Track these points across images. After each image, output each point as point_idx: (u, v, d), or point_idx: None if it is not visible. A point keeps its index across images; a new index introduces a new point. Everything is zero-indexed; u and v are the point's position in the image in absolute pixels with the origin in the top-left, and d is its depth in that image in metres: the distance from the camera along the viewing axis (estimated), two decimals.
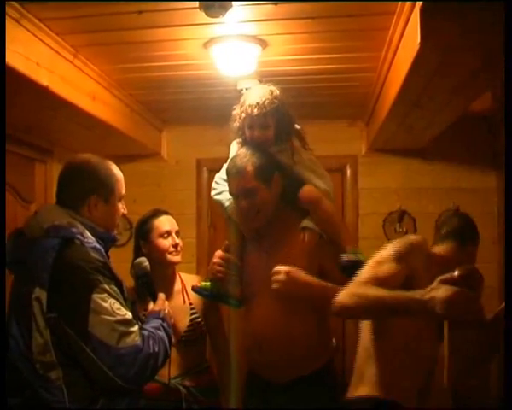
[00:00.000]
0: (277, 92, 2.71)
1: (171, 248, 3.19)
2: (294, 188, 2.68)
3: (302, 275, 2.55)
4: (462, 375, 2.23)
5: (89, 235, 2.24)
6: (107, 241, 2.36)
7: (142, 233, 3.25)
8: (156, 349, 2.22)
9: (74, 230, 2.19)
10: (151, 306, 2.58)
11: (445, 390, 2.29)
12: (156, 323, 2.36)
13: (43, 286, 2.10)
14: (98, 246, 2.24)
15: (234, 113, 2.80)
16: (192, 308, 3.19)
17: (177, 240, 3.22)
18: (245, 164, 2.57)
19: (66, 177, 2.38)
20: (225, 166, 2.81)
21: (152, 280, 2.72)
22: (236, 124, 2.77)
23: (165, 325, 2.38)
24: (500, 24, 1.87)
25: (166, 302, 2.58)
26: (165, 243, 3.19)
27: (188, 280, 3.30)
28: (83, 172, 2.35)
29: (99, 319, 2.09)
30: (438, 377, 2.48)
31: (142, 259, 2.79)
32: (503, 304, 2.30)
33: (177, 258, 3.21)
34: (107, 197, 2.36)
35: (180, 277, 3.31)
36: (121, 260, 4.89)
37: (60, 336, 2.09)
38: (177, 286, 3.26)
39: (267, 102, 2.65)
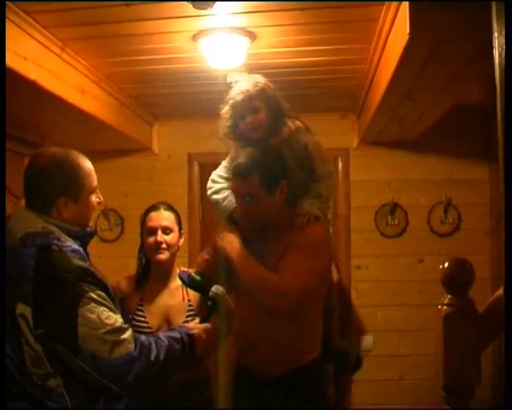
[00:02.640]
0: (260, 78, 2.67)
1: (154, 246, 3.13)
2: (297, 189, 2.63)
3: (230, 236, 2.59)
4: (457, 370, 2.22)
5: (66, 238, 2.14)
6: (84, 237, 2.26)
7: (141, 227, 3.24)
8: (161, 358, 2.14)
9: (50, 236, 2.10)
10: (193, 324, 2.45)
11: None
12: (177, 334, 2.26)
13: (27, 302, 2.02)
14: (77, 247, 2.15)
15: (222, 112, 2.72)
16: (190, 305, 3.16)
17: (160, 238, 3.12)
18: (250, 170, 2.47)
19: (31, 179, 2.25)
20: (224, 163, 2.77)
21: (216, 311, 2.51)
22: (227, 123, 2.72)
23: (186, 342, 2.25)
24: (490, 15, 1.86)
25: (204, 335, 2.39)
26: (150, 240, 3.14)
27: None
28: (47, 173, 2.21)
29: (88, 333, 2.01)
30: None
31: (222, 288, 2.54)
32: (494, 295, 2.29)
33: (160, 256, 3.13)
34: (77, 196, 2.23)
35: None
36: (113, 256, 4.93)
37: (51, 349, 2.02)
38: (177, 283, 3.20)
39: (250, 85, 2.62)
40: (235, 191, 2.59)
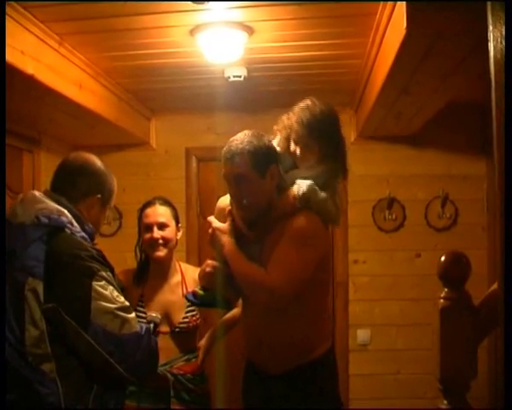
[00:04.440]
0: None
1: (150, 243, 3.15)
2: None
3: (223, 234, 2.60)
4: (454, 362, 2.23)
5: (76, 224, 2.22)
6: (90, 236, 2.33)
7: (138, 222, 3.25)
8: (154, 346, 2.25)
9: (64, 218, 2.18)
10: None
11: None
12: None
13: (39, 277, 2.07)
14: (85, 235, 2.24)
15: None
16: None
17: (156, 234, 3.13)
18: (240, 151, 2.48)
19: (75, 168, 2.36)
20: None
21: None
22: None
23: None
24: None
25: None
26: (146, 237, 3.16)
27: (188, 272, 3.30)
28: (95, 168, 2.36)
29: (101, 307, 2.08)
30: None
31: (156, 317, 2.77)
32: (491, 288, 2.30)
33: (157, 253, 3.15)
34: (105, 202, 2.39)
35: (180, 268, 3.30)
36: (112, 250, 4.91)
37: (56, 326, 2.06)
38: (177, 278, 3.25)
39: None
40: (225, 176, 2.58)
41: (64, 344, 2.08)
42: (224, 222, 2.67)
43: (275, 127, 2.69)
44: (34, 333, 2.05)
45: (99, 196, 2.33)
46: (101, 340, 2.07)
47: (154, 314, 2.76)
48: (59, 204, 2.23)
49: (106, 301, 2.10)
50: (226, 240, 2.59)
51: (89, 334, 2.06)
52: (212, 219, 2.69)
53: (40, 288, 2.06)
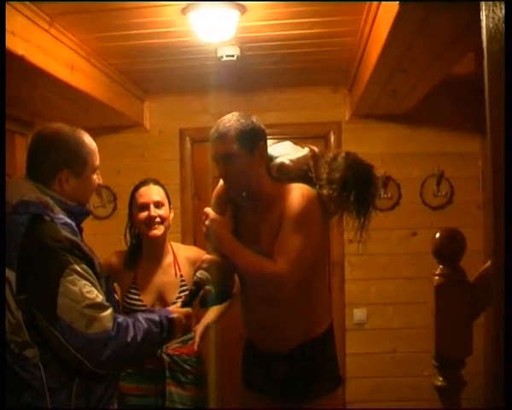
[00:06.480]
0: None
1: (147, 221, 3.14)
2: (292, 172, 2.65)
3: (221, 228, 2.60)
4: (449, 339, 2.23)
5: (58, 210, 2.16)
6: (80, 215, 2.28)
7: (129, 204, 3.24)
8: (138, 339, 2.14)
9: (44, 206, 2.12)
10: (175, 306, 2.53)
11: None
12: (156, 317, 2.27)
13: (12, 267, 2.04)
14: (69, 221, 2.17)
15: None
16: (182, 280, 3.18)
17: (153, 212, 3.13)
18: (227, 129, 2.51)
19: (36, 149, 2.27)
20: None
21: (197, 295, 2.61)
22: None
23: (165, 325, 2.27)
24: None
25: (184, 320, 2.44)
26: (141, 215, 3.15)
27: (180, 251, 3.30)
28: (53, 144, 2.24)
29: (67, 304, 2.02)
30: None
31: (206, 274, 2.63)
32: (485, 265, 2.30)
33: (154, 232, 3.15)
34: (79, 171, 2.26)
35: (172, 248, 3.29)
36: (107, 233, 4.92)
37: (31, 316, 2.03)
38: (169, 259, 3.24)
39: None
40: (214, 156, 2.59)
41: (41, 333, 2.05)
42: (220, 210, 2.67)
43: (315, 149, 2.75)
44: (12, 321, 2.04)
45: (66, 170, 2.22)
46: (68, 336, 2.02)
47: (198, 274, 2.62)
48: (40, 190, 2.18)
49: (73, 298, 2.02)
50: (224, 233, 2.59)
51: (56, 329, 2.02)
52: (208, 210, 2.67)
53: (13, 278, 2.04)
